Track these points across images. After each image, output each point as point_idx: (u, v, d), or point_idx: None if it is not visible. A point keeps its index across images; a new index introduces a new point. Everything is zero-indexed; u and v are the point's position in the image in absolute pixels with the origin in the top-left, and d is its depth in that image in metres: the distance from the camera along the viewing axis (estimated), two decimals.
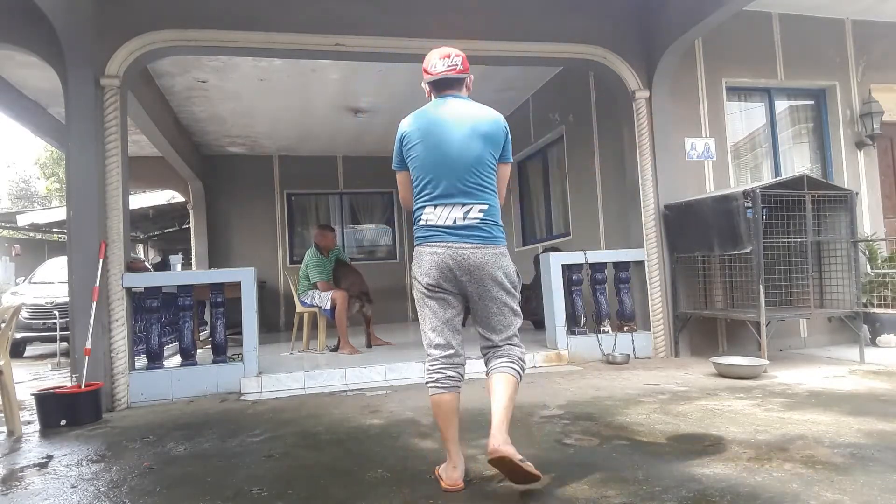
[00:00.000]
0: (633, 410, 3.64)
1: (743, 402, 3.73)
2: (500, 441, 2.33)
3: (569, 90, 7.30)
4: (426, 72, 2.70)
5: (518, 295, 2.67)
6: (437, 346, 2.58)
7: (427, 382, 2.59)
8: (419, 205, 2.60)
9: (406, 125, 2.66)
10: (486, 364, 2.64)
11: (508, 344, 2.61)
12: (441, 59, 2.67)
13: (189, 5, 4.97)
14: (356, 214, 11.41)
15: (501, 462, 2.31)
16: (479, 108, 2.66)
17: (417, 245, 2.60)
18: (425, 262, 2.54)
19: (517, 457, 2.30)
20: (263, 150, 10.42)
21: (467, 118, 2.59)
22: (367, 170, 11.02)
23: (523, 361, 2.62)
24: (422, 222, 2.59)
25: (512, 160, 2.74)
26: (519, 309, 2.68)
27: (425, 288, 2.57)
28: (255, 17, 5.02)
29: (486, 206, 2.55)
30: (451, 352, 2.57)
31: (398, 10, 5.31)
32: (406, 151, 2.64)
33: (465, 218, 2.52)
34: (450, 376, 2.54)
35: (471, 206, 2.53)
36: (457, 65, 2.68)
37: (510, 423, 2.47)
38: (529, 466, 2.33)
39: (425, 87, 2.73)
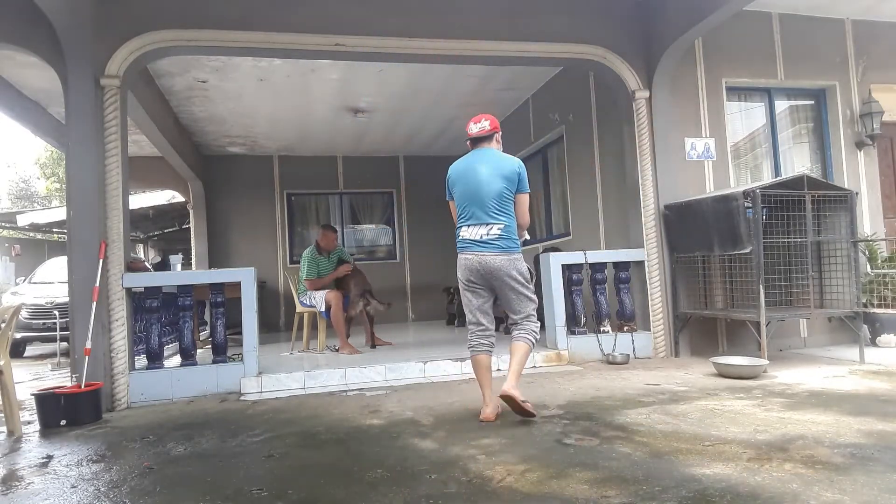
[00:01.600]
0: (633, 410, 3.64)
1: (743, 402, 3.73)
2: (510, 386, 3.41)
3: (569, 90, 7.30)
4: (469, 132, 3.76)
5: (531, 285, 3.62)
6: (473, 324, 3.67)
7: (468, 347, 3.67)
8: (459, 225, 3.65)
9: (452, 169, 3.73)
10: (511, 333, 3.68)
11: (525, 320, 3.61)
12: (474, 123, 3.75)
13: (189, 5, 4.97)
14: (356, 214, 11.41)
15: (510, 399, 3.39)
16: (501, 156, 3.66)
17: (459, 253, 3.63)
18: (462, 265, 3.61)
19: (520, 398, 3.39)
20: (263, 150, 10.42)
21: (492, 164, 3.59)
22: (367, 170, 11.03)
23: (536, 333, 3.64)
24: (459, 237, 3.63)
25: (528, 190, 3.66)
26: (533, 295, 3.64)
27: (465, 283, 3.63)
28: (255, 17, 5.02)
29: (502, 226, 3.52)
30: (483, 327, 3.65)
31: (398, 10, 5.31)
32: (451, 187, 3.72)
33: (487, 234, 3.52)
34: (482, 343, 3.63)
35: (491, 225, 3.52)
36: (485, 127, 3.71)
37: (519, 377, 3.52)
38: (529, 406, 3.44)
39: (468, 143, 3.78)
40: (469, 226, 3.55)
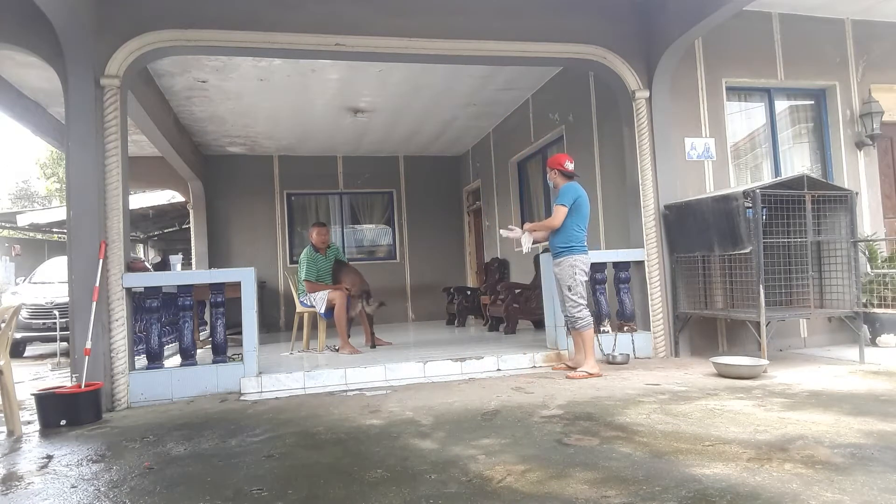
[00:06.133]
0: (633, 410, 3.64)
1: (743, 402, 3.73)
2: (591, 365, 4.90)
3: (569, 90, 7.30)
4: (566, 168, 5.02)
5: None
6: (587, 306, 4.94)
7: (585, 324, 4.91)
8: (582, 235, 4.94)
9: (580, 192, 4.94)
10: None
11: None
12: (571, 162, 5.08)
13: (189, 5, 4.97)
14: (356, 214, 11.41)
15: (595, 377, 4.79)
16: None
17: (582, 254, 4.93)
18: (588, 263, 4.98)
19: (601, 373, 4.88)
20: (263, 150, 10.42)
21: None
22: (367, 170, 11.04)
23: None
24: (583, 243, 4.95)
25: None
26: None
27: (588, 274, 4.99)
28: (255, 17, 5.02)
29: None
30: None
31: (398, 10, 5.31)
32: (577, 203, 4.89)
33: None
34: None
35: None
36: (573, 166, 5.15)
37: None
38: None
39: (558, 173, 5.02)
40: (583, 236, 4.96)
